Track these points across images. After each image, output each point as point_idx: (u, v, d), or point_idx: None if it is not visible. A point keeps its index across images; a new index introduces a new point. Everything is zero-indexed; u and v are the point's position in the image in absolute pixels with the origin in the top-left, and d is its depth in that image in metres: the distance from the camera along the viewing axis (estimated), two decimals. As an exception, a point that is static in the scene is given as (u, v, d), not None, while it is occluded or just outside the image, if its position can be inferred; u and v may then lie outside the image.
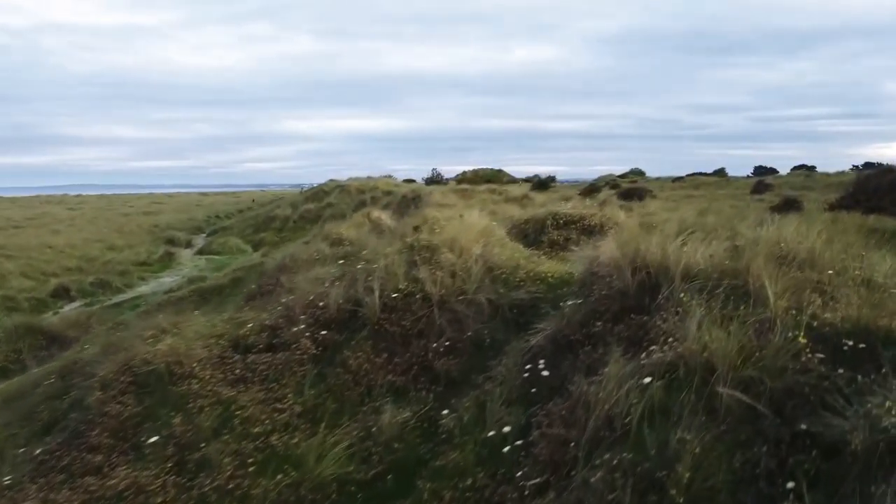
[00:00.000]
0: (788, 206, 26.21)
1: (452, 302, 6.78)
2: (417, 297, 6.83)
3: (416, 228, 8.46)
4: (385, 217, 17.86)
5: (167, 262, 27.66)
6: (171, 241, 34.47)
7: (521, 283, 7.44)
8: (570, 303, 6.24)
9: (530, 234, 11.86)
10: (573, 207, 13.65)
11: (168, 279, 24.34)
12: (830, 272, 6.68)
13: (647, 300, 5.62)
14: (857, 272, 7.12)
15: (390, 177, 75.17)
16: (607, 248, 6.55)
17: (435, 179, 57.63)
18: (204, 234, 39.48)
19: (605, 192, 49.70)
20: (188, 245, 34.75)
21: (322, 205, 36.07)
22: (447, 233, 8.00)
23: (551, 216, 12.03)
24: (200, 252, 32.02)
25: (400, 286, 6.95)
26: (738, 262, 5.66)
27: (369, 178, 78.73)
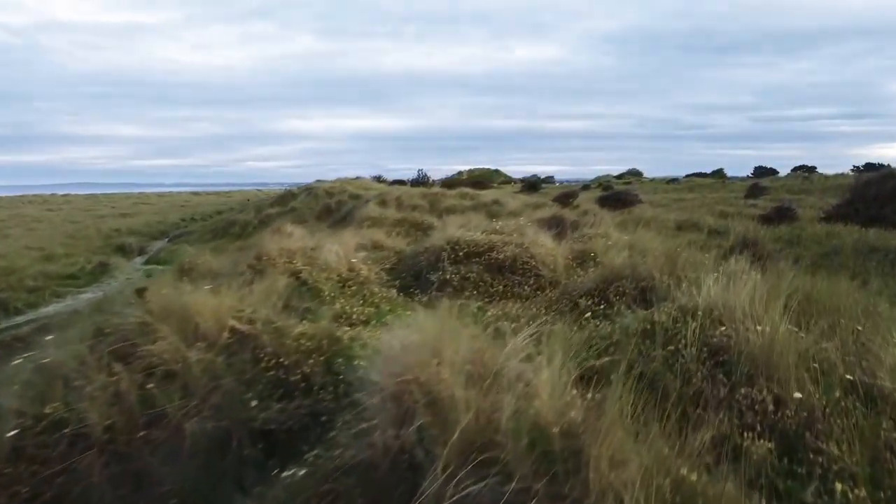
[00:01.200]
0: (781, 215, 23.16)
1: (128, 440, 3.81)
2: (66, 432, 3.86)
3: (139, 292, 5.34)
4: (297, 233, 14.90)
5: (99, 274, 24.76)
6: (121, 249, 31.61)
7: (303, 384, 4.44)
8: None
9: (423, 269, 8.86)
10: (489, 231, 10.64)
11: (89, 295, 21.46)
12: (799, 395, 3.72)
13: (403, 489, 2.64)
14: (846, 374, 4.20)
15: (380, 178, 72.35)
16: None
17: (420, 181, 54.54)
18: (166, 240, 36.56)
19: (591, 193, 46.71)
20: (141, 252, 31.82)
21: (286, 209, 33.15)
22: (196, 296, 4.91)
23: (450, 246, 9.03)
24: (148, 261, 29.11)
25: (47, 410, 3.99)
26: (587, 422, 2.64)
27: (358, 178, 75.79)
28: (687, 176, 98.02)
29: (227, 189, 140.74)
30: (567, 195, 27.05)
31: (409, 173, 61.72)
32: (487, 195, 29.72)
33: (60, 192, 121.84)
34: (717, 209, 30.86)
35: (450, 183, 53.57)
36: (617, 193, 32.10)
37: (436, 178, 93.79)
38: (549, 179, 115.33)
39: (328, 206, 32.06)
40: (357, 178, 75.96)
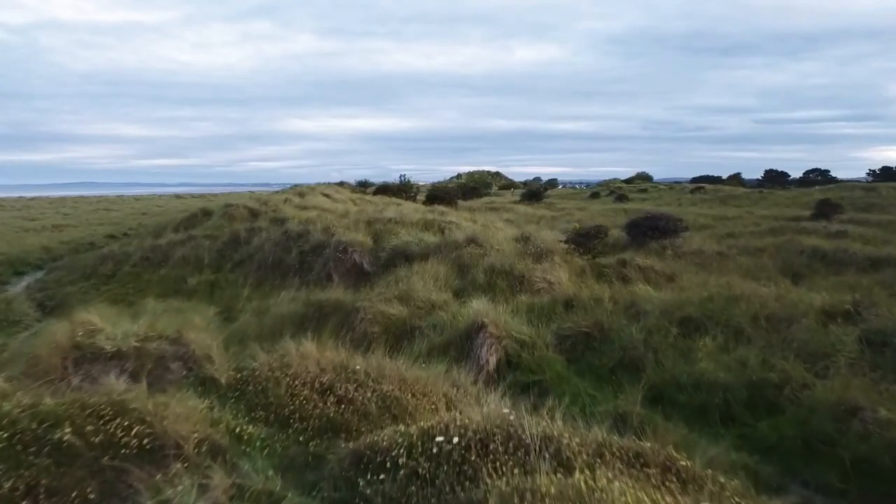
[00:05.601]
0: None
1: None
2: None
3: None
4: None
5: None
6: (-62, 296, 20.35)
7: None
8: None
9: None
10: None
11: None
12: None
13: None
14: None
15: (366, 182, 60.87)
16: None
17: (402, 188, 42.76)
18: (43, 272, 25.14)
19: (603, 204, 34.99)
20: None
21: (184, 237, 21.80)
22: None
23: None
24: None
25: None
26: None
27: (343, 183, 64.22)
28: (694, 179, 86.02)
29: (228, 191, 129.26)
30: (591, 234, 15.32)
31: (412, 173, 50.37)
32: (465, 227, 18.17)
33: (57, 194, 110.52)
34: (806, 244, 19.27)
35: (437, 192, 42.01)
36: (652, 218, 20.39)
37: (434, 180, 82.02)
38: (553, 182, 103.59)
39: (236, 234, 20.66)
40: (342, 183, 64.43)
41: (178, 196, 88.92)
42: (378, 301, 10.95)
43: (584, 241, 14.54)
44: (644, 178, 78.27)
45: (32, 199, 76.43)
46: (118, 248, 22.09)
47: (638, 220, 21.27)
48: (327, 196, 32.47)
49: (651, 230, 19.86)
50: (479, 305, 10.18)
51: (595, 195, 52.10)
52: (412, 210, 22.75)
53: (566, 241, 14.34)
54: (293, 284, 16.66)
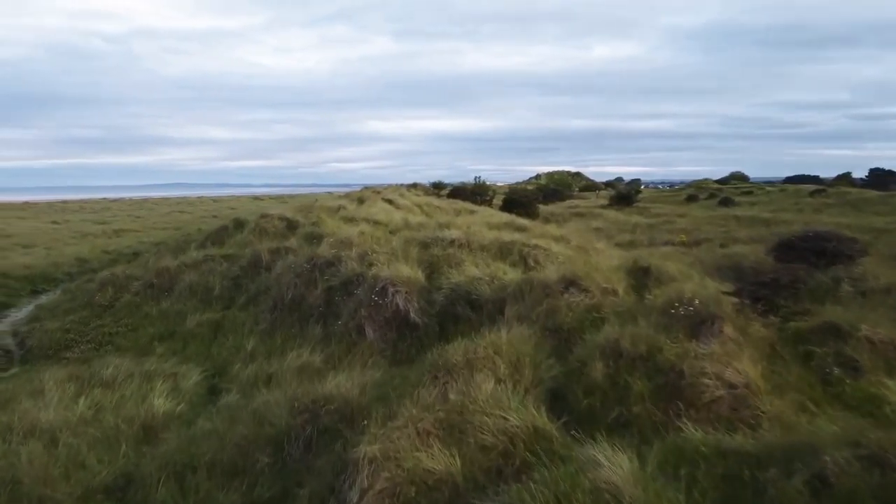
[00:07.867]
0: None
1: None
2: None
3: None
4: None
5: None
6: None
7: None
8: None
9: None
10: None
11: None
12: None
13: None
14: None
15: (440, 184, 55.63)
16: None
17: (478, 192, 36.91)
18: (58, 291, 20.85)
19: (706, 209, 27.75)
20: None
21: (201, 256, 16.91)
22: None
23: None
24: None
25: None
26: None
27: (415, 184, 59.10)
28: (787, 179, 76.42)
29: (308, 191, 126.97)
30: (777, 283, 9.11)
31: (489, 174, 45.24)
32: (556, 254, 12.38)
33: (152, 195, 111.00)
34: None
35: (515, 196, 36.08)
36: (815, 238, 13.74)
37: (512, 181, 75.91)
38: (636, 182, 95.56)
39: (258, 257, 15.51)
40: (415, 184, 59.29)
41: (256, 197, 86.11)
42: (402, 437, 5.33)
43: (767, 292, 8.47)
44: (739, 177, 69.49)
45: (114, 200, 75.00)
46: (121, 272, 17.35)
47: (793, 239, 14.77)
48: (390, 202, 27.19)
49: (814, 255, 13.46)
50: (612, 476, 4.40)
51: (692, 198, 44.81)
52: (485, 223, 17.06)
53: (735, 294, 8.26)
54: (313, 337, 11.31)
